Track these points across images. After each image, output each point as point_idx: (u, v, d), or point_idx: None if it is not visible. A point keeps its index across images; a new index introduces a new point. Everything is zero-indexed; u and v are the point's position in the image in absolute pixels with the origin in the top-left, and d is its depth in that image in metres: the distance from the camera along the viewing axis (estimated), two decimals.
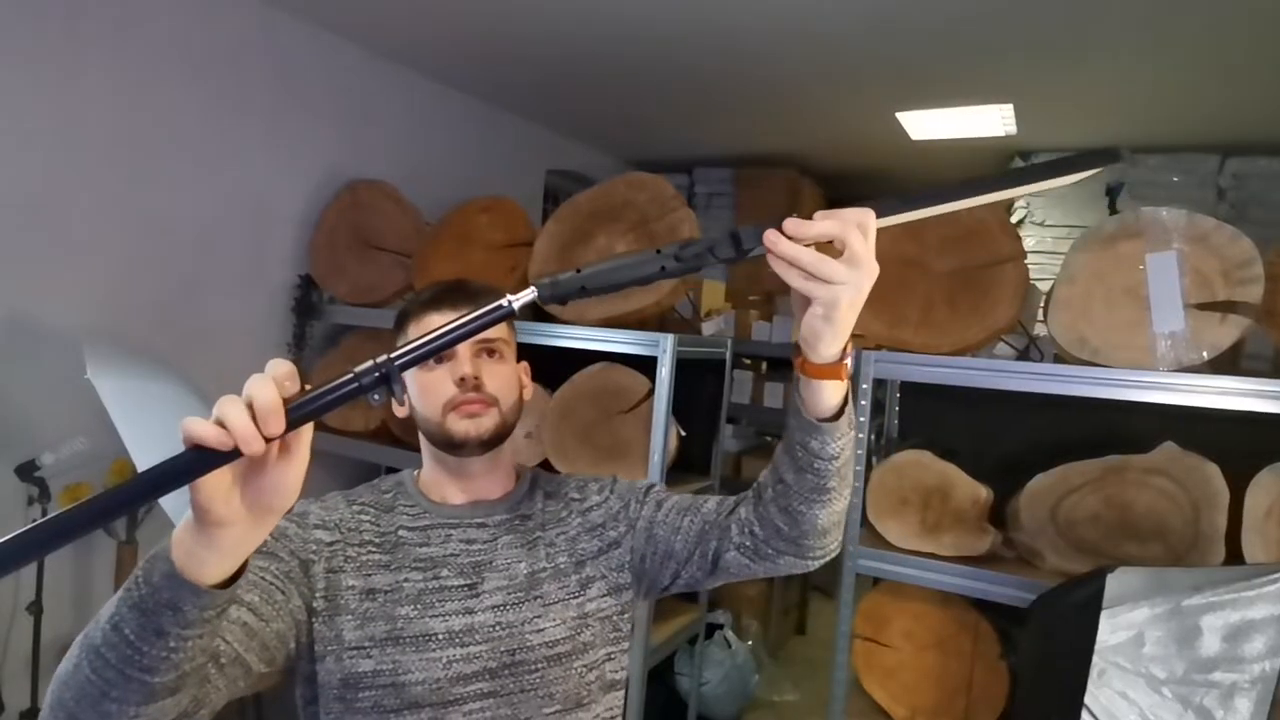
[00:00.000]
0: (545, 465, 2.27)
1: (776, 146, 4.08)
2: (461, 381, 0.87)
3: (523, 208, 2.56)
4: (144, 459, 1.75)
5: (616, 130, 4.09)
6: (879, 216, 0.59)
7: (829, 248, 0.60)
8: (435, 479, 0.94)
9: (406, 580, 0.85)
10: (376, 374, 0.53)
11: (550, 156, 4.17)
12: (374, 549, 0.87)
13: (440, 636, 0.83)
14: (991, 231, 1.71)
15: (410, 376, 0.89)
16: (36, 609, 2.04)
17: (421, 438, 0.94)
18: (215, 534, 0.52)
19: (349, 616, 0.82)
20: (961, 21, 2.36)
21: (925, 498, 1.72)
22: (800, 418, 0.73)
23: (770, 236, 0.58)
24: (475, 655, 0.83)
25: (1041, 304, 1.86)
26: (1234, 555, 1.46)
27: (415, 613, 0.83)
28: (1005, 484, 1.77)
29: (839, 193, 4.77)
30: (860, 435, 1.79)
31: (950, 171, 4.14)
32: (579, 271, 0.58)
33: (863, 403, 1.77)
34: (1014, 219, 3.75)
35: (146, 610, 0.54)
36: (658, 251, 0.58)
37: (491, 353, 0.91)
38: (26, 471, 2.03)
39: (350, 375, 0.52)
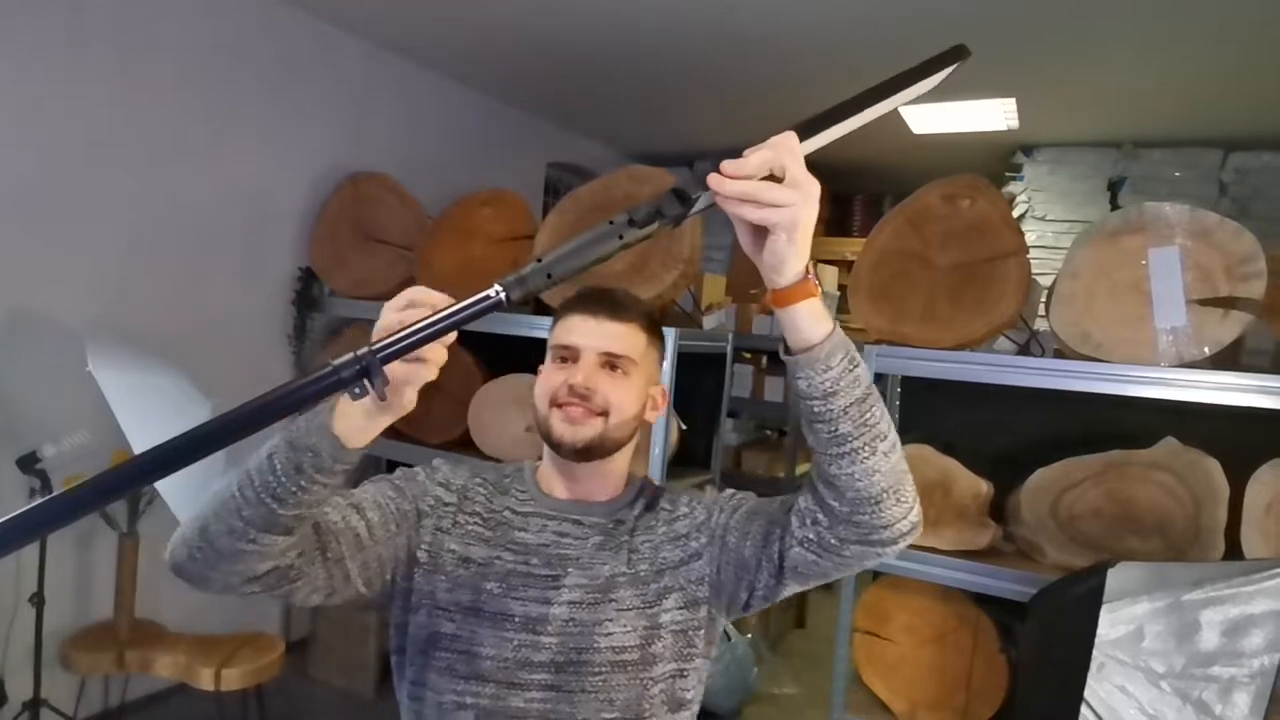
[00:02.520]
0: None
1: None
2: (570, 387, 0.88)
3: (524, 200, 2.55)
4: (143, 448, 1.76)
5: (617, 123, 4.08)
6: (801, 139, 0.61)
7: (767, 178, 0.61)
8: (547, 471, 0.95)
9: (499, 558, 0.88)
10: (356, 368, 0.52)
11: (551, 149, 4.16)
12: (479, 522, 0.91)
13: (516, 619, 0.85)
14: (995, 226, 1.71)
15: (546, 364, 0.94)
16: (39, 600, 2.05)
17: None
18: (346, 409, 0.65)
19: (443, 578, 0.87)
20: (965, 14, 2.35)
21: (926, 492, 1.72)
22: (787, 361, 0.72)
23: (714, 180, 0.59)
24: (544, 645, 0.85)
25: (1042, 299, 1.86)
26: (1234, 550, 1.46)
27: (499, 590, 0.86)
28: (1005, 478, 1.78)
29: (841, 186, 4.76)
30: None
31: (953, 166, 4.12)
32: (540, 261, 0.57)
33: None
34: (1015, 214, 3.75)
35: (295, 446, 0.66)
36: (610, 223, 0.58)
37: (614, 367, 0.90)
38: (28, 463, 2.03)
39: (329, 369, 0.52)
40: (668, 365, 2.04)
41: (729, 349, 2.48)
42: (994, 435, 1.92)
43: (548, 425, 0.89)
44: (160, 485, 1.85)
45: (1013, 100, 3.12)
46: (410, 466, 0.98)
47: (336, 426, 0.66)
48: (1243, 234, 1.46)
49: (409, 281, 2.63)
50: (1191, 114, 3.17)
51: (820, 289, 0.68)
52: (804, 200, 0.61)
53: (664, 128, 4.08)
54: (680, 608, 0.88)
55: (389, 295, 2.37)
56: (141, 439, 1.76)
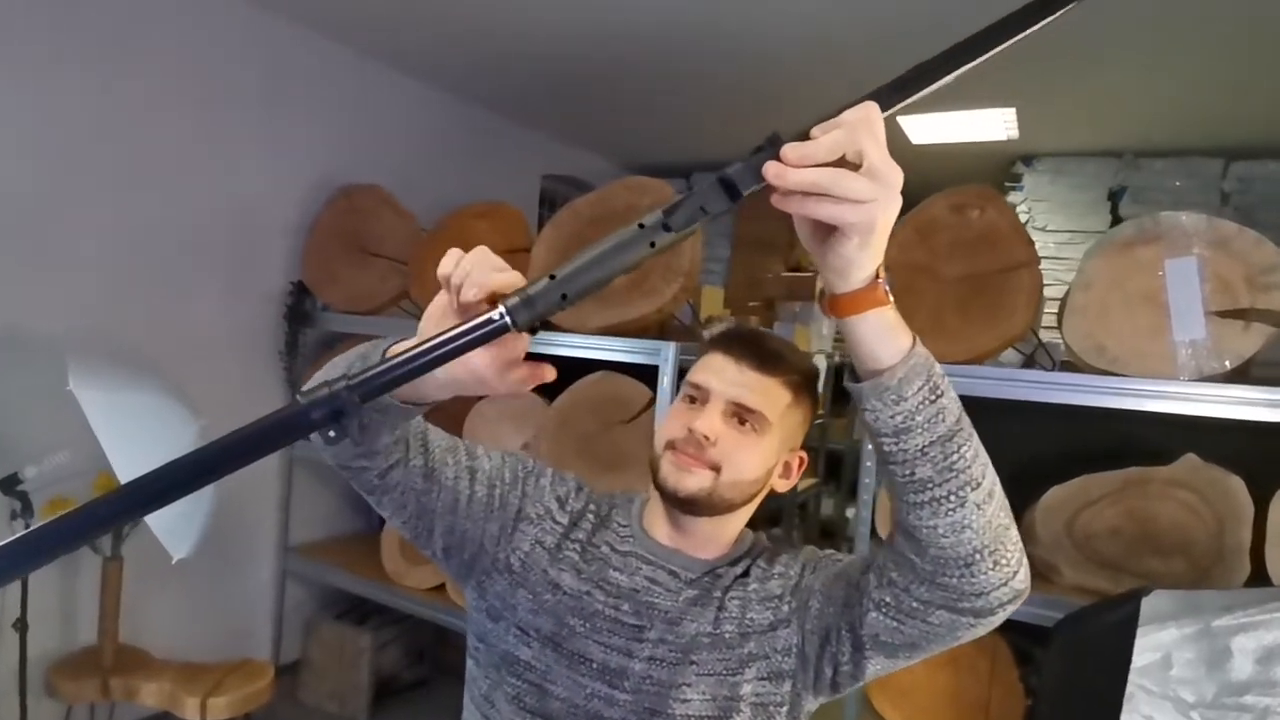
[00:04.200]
0: None
1: None
2: (689, 431, 0.80)
3: (521, 213, 2.51)
4: (127, 472, 1.70)
5: (613, 135, 4.05)
6: (883, 109, 0.49)
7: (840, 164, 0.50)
8: (653, 510, 0.88)
9: (589, 594, 0.82)
10: (327, 408, 0.45)
11: (546, 161, 4.12)
12: (578, 550, 0.85)
13: (595, 664, 0.80)
14: (1004, 236, 1.67)
15: (677, 399, 0.87)
16: (22, 626, 1.98)
17: None
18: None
19: (528, 595, 0.82)
20: (966, 24, 2.32)
21: None
22: (851, 390, 0.60)
23: (774, 172, 0.47)
24: (618, 701, 0.78)
25: (1044, 310, 1.82)
26: (1260, 572, 1.41)
27: (583, 629, 0.80)
28: (1016, 496, 1.72)
29: None
30: (870, 446, 1.74)
31: (950, 176, 4.10)
32: (553, 277, 0.48)
33: None
34: None
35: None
36: (641, 226, 0.48)
37: (743, 421, 0.81)
38: (9, 485, 1.96)
39: (296, 409, 0.45)
40: (668, 382, 1.99)
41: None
42: (1002, 451, 1.86)
43: (657, 465, 0.82)
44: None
45: (1013, 110, 3.09)
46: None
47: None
48: (1263, 243, 1.42)
49: (403, 295, 2.60)
50: (1192, 123, 3.14)
51: (891, 297, 0.56)
52: (885, 195, 0.49)
53: (661, 140, 4.05)
54: (763, 679, 0.78)
55: (383, 309, 2.29)
56: (124, 460, 1.69)
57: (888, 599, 0.69)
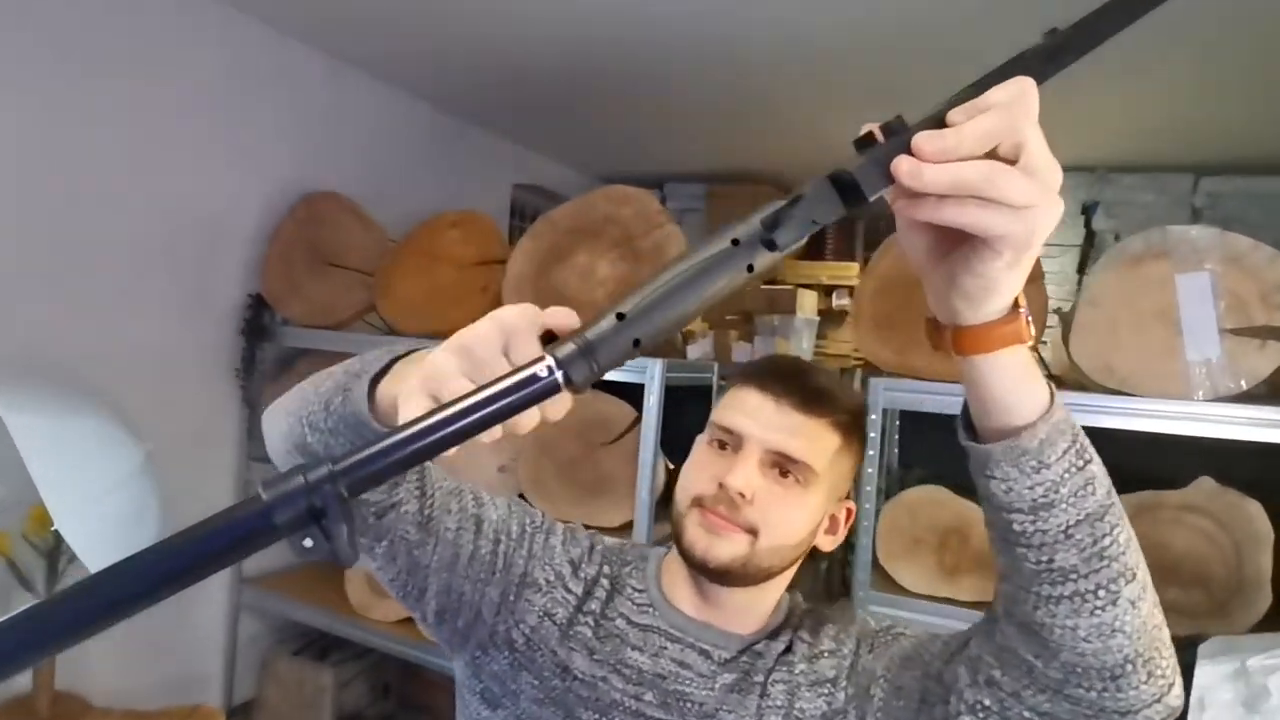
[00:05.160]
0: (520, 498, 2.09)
1: (750, 162, 3.98)
2: (721, 487, 0.67)
3: (494, 222, 2.39)
4: (59, 504, 1.54)
5: (585, 144, 3.95)
6: (1039, 81, 0.39)
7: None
8: (674, 574, 0.74)
9: (604, 681, 0.68)
10: (301, 505, 0.32)
11: (516, 170, 4.01)
12: (590, 625, 0.71)
13: None
14: None
15: (699, 441, 0.73)
16: None
17: None
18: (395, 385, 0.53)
19: (533, 679, 0.69)
20: (943, 29, 2.28)
21: (942, 538, 1.59)
22: (973, 451, 0.48)
23: (907, 168, 0.37)
24: None
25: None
26: (1279, 601, 1.36)
27: None
28: None
29: None
30: (870, 470, 1.66)
31: None
32: (621, 317, 0.36)
33: (871, 434, 1.64)
34: None
35: (347, 395, 0.55)
36: (734, 243, 0.37)
37: (785, 473, 0.69)
38: None
39: (256, 509, 0.32)
40: (654, 401, 1.89)
41: (714, 380, 2.34)
42: None
43: (681, 526, 0.69)
44: (76, 545, 1.62)
45: None
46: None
47: (379, 407, 0.52)
48: (1277, 259, 1.38)
49: (369, 308, 2.45)
50: (1163, 139, 3.17)
51: (1033, 330, 0.45)
52: (1047, 199, 0.38)
53: (632, 150, 3.97)
54: None
55: (348, 323, 2.11)
56: (57, 492, 1.53)
57: (987, 702, 0.56)
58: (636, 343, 0.37)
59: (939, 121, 0.38)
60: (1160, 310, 1.44)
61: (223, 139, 2.50)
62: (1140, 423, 1.41)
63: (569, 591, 0.73)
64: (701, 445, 0.73)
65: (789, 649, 0.71)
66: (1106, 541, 0.48)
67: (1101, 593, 0.48)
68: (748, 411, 0.69)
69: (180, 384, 2.42)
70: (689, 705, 0.68)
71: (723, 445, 0.70)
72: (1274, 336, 1.37)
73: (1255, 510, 1.40)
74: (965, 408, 0.50)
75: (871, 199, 0.38)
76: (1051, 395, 0.47)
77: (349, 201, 2.57)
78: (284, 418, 0.60)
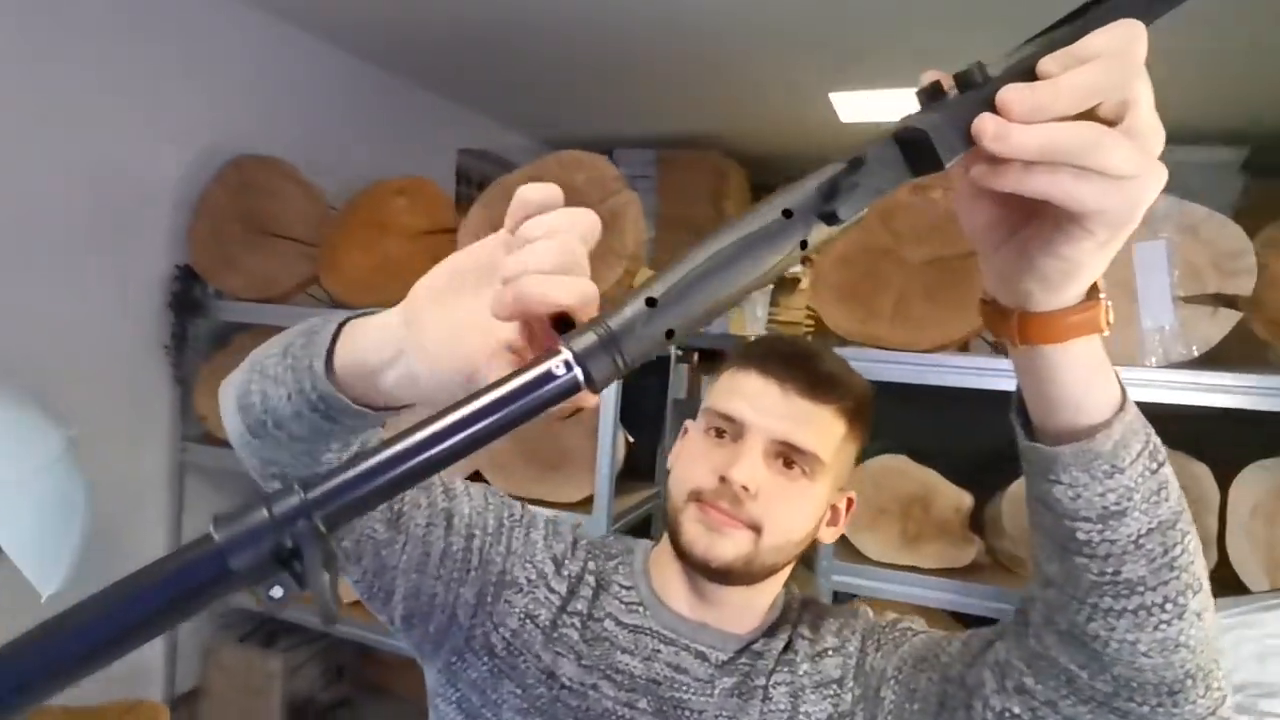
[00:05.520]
0: (476, 477, 2.04)
1: (701, 127, 3.92)
2: (723, 480, 0.62)
3: (443, 190, 2.29)
4: None
5: (532, 108, 3.82)
6: (1146, 22, 0.33)
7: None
8: (666, 571, 0.69)
9: (595, 688, 0.63)
10: (267, 545, 0.26)
11: (461, 135, 3.86)
12: (576, 628, 0.66)
13: None
14: None
15: (694, 428, 0.66)
16: None
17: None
18: (362, 341, 0.45)
19: (517, 690, 0.63)
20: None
21: (905, 507, 1.60)
22: (1033, 453, 0.44)
23: (993, 129, 0.31)
24: None
25: None
26: (1225, 561, 1.41)
27: None
28: (979, 488, 1.68)
29: (764, 177, 4.67)
30: None
31: None
32: (652, 302, 0.31)
33: None
34: None
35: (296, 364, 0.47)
36: (786, 214, 0.32)
37: (790, 464, 0.64)
38: None
39: (216, 549, 0.26)
40: None
41: (672, 351, 2.31)
42: (963, 441, 1.82)
43: (678, 523, 0.64)
44: (5, 540, 1.51)
45: None
46: None
47: (338, 355, 0.44)
48: (1229, 227, 1.40)
49: (312, 280, 2.33)
50: None
51: (1111, 318, 0.40)
52: (1151, 166, 0.33)
53: (582, 114, 3.86)
54: None
55: (291, 296, 1.98)
56: None
57: (1016, 709, 0.52)
58: (670, 333, 0.31)
59: (1026, 72, 0.33)
60: (1121, 279, 1.46)
61: (141, 97, 2.31)
62: None
63: (552, 591, 0.67)
64: (696, 433, 0.68)
65: (789, 647, 0.68)
66: (1177, 551, 0.44)
67: (1169, 606, 0.45)
68: (750, 397, 0.65)
69: (102, 363, 2.26)
70: (686, 713, 0.64)
71: (720, 433, 0.66)
72: (1225, 304, 1.40)
73: (1201, 472, 1.44)
74: (1020, 402, 0.45)
75: (949, 165, 0.33)
76: (1123, 390, 0.43)
77: (285, 166, 2.42)
78: (239, 372, 0.53)
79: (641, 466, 2.28)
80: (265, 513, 0.26)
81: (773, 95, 3.32)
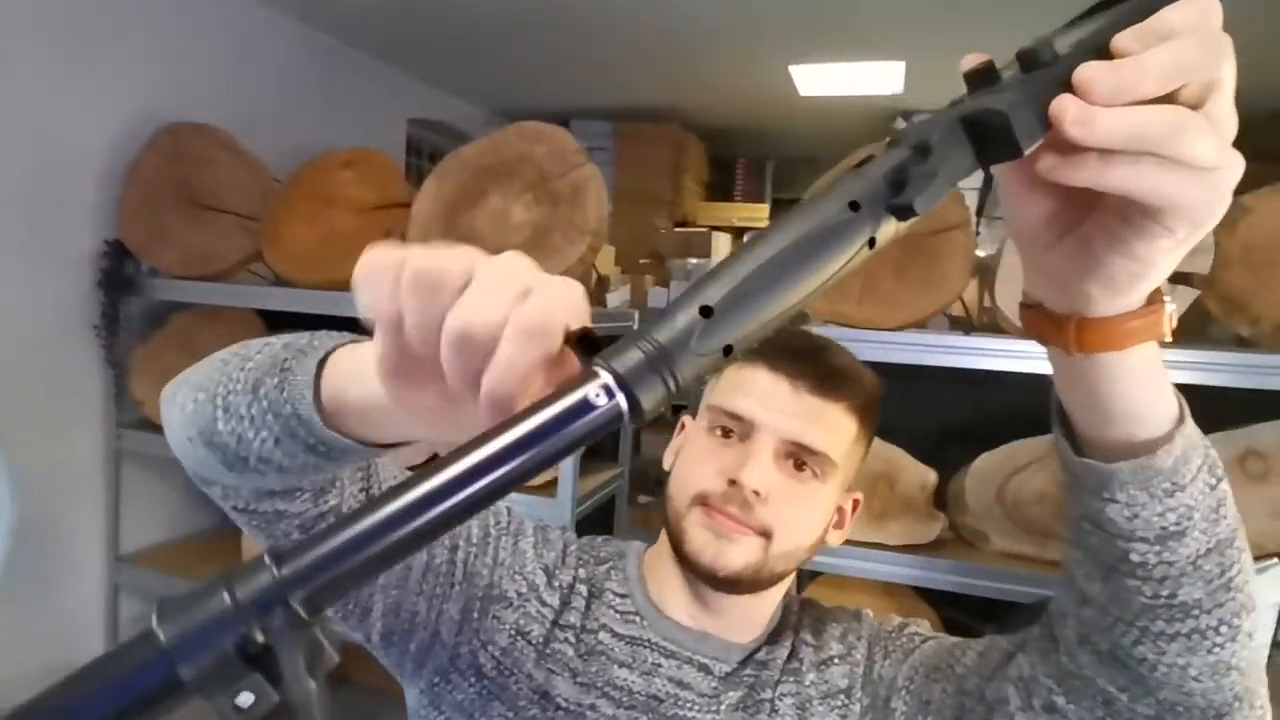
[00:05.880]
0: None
1: (659, 99, 3.85)
2: (732, 484, 0.59)
3: (393, 162, 2.18)
4: None
5: (484, 77, 3.70)
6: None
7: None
8: (663, 576, 0.65)
9: (593, 708, 0.59)
10: (230, 640, 0.20)
11: (410, 104, 3.71)
12: (570, 642, 0.62)
13: None
14: None
15: (695, 426, 0.63)
16: None
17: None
18: (350, 370, 0.39)
19: (508, 713, 0.59)
20: None
21: (871, 484, 1.60)
22: (1081, 469, 0.41)
23: (1074, 114, 0.27)
24: None
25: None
26: None
27: None
28: (943, 464, 1.69)
29: (722, 150, 4.63)
30: None
31: (837, 131, 4.10)
32: (708, 312, 0.26)
33: None
34: None
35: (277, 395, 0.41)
36: (853, 206, 0.27)
37: (801, 465, 0.60)
38: None
39: (163, 653, 0.20)
40: None
41: (635, 328, 2.27)
42: (926, 417, 1.83)
43: (680, 528, 0.60)
44: None
45: (903, 64, 3.07)
46: None
47: (328, 400, 0.39)
48: None
49: (256, 257, 2.21)
50: None
51: (1174, 323, 0.36)
52: (1232, 157, 0.29)
53: (536, 84, 3.75)
54: None
55: (232, 273, 1.85)
56: None
57: None
58: (728, 350, 0.26)
59: (1100, 49, 0.29)
60: None
61: (63, 59, 2.14)
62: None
63: (544, 604, 0.63)
64: (698, 432, 0.64)
65: (793, 655, 0.65)
66: (1234, 571, 0.42)
67: (1224, 629, 0.42)
68: (759, 395, 0.61)
69: (29, 347, 2.12)
70: None
71: (727, 433, 0.62)
72: (1182, 282, 1.43)
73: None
74: (1062, 413, 0.42)
75: (1028, 152, 0.28)
76: (1180, 402, 0.40)
77: (222, 134, 2.28)
78: (191, 395, 0.45)
79: (604, 447, 2.25)
80: (226, 598, 0.21)
81: (732, 67, 3.27)
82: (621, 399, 0.25)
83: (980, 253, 1.77)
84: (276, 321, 1.95)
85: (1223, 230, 1.48)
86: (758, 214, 4.29)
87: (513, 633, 0.61)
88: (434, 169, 1.98)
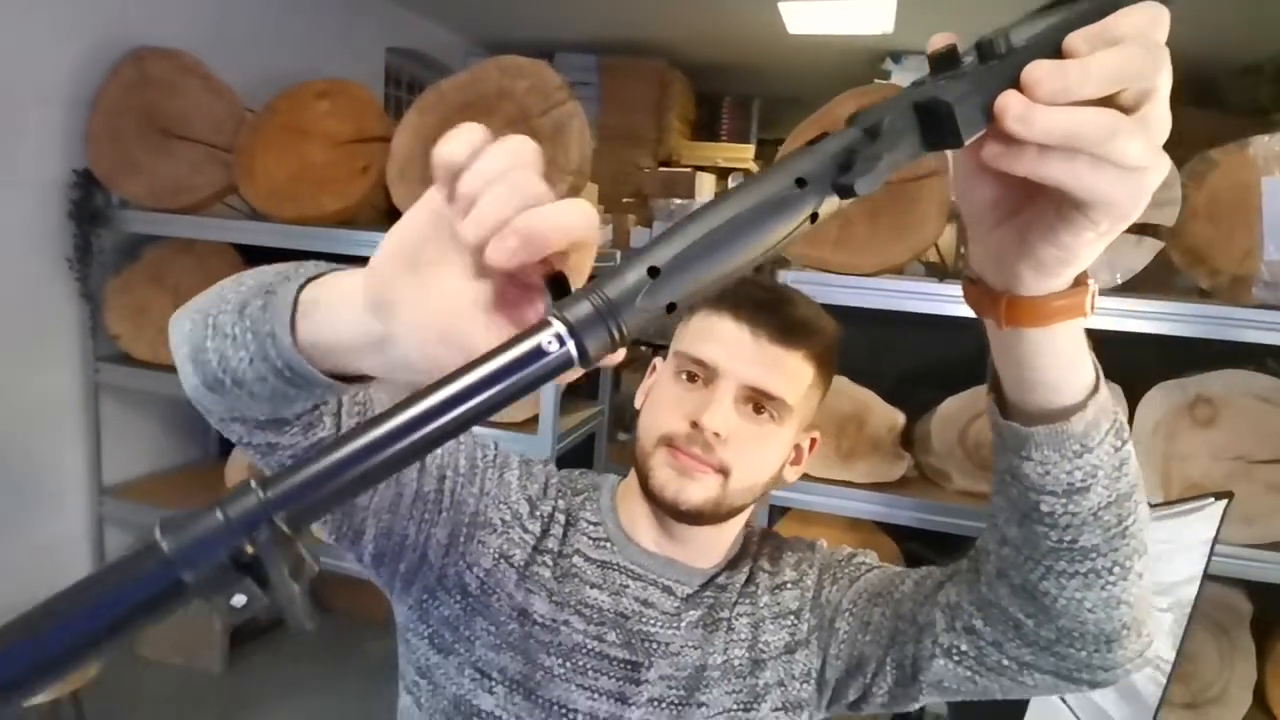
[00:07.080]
0: None
1: (645, 34, 3.76)
2: (694, 426, 0.63)
3: (371, 94, 2.14)
4: None
5: (466, 5, 3.58)
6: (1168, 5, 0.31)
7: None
8: (633, 508, 0.70)
9: (566, 624, 0.65)
10: (222, 554, 0.23)
11: (389, 33, 3.59)
12: (549, 566, 0.68)
13: (579, 716, 0.64)
14: None
15: (664, 369, 0.67)
16: None
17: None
18: (334, 299, 0.40)
19: (490, 627, 0.65)
20: None
21: (841, 425, 1.65)
22: (1006, 430, 0.46)
23: (1016, 111, 0.29)
24: None
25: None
26: None
27: (562, 671, 0.64)
28: (910, 406, 1.75)
29: (708, 87, 4.55)
30: None
31: (825, 71, 4.03)
32: (655, 271, 0.28)
33: None
34: None
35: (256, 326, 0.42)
36: (799, 183, 0.29)
37: (760, 409, 0.64)
38: None
39: (164, 563, 0.23)
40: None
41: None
42: (901, 361, 1.88)
43: (648, 466, 0.65)
44: None
45: (893, 1, 3.01)
46: None
47: (301, 332, 0.39)
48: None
49: (229, 189, 2.17)
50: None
51: (1095, 304, 0.40)
52: (1158, 159, 0.31)
53: (520, 13, 3.64)
54: (778, 710, 0.66)
55: (204, 205, 1.83)
56: None
57: (963, 647, 0.57)
58: (671, 307, 0.28)
59: (1053, 46, 0.31)
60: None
61: None
62: None
63: (526, 531, 0.68)
64: (665, 375, 0.68)
65: (750, 579, 0.71)
66: (1130, 521, 0.48)
67: (1116, 569, 0.48)
68: (722, 342, 0.65)
69: (1, 280, 2.09)
70: (654, 645, 0.66)
71: (693, 377, 0.66)
72: (1149, 233, 1.45)
73: (1115, 392, 1.53)
74: (995, 380, 0.46)
75: (967, 143, 0.30)
76: (1097, 372, 0.44)
77: (190, 60, 2.21)
78: (189, 315, 0.47)
79: (583, 386, 2.28)
80: (219, 516, 0.24)
81: (720, 2, 3.19)
82: (572, 346, 0.27)
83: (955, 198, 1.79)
84: (254, 256, 1.94)
85: (1190, 183, 1.50)
86: (743, 154, 4.25)
87: (496, 556, 0.66)
88: (415, 102, 1.94)
